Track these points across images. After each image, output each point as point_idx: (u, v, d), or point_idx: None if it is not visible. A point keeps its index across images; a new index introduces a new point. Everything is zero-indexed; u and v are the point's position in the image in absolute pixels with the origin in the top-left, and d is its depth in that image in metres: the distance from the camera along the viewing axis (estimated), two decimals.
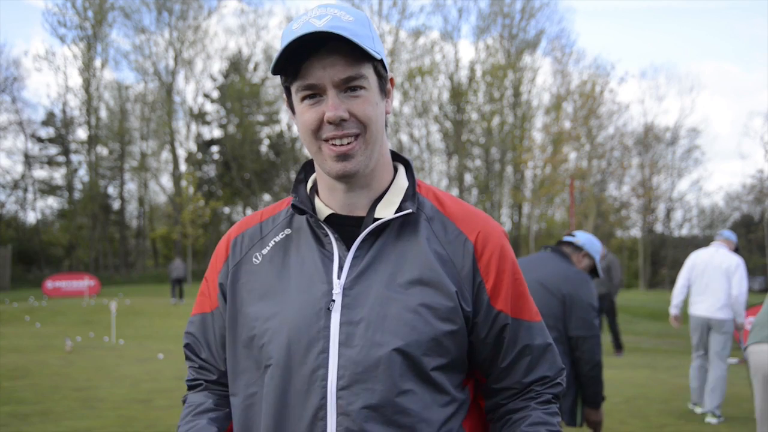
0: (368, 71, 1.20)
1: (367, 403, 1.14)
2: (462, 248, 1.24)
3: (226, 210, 44.55)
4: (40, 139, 39.73)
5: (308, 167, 1.38)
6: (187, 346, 1.37)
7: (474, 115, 40.76)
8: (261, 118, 43.71)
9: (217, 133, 43.75)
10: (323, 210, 1.29)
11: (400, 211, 1.24)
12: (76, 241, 39.73)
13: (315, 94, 1.20)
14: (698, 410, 6.45)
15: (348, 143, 1.19)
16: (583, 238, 3.62)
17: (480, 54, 39.89)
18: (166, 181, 42.56)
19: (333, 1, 1.23)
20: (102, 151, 40.53)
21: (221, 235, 47.66)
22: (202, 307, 1.36)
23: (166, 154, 41.55)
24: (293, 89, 1.22)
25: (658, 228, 44.21)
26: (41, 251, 38.65)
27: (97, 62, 38.72)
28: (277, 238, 1.31)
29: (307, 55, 1.18)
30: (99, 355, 10.68)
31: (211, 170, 44.43)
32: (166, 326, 16.35)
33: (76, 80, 47.98)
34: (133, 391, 7.40)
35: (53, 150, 40.23)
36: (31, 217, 41.13)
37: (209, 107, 43.54)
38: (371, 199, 1.27)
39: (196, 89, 41.60)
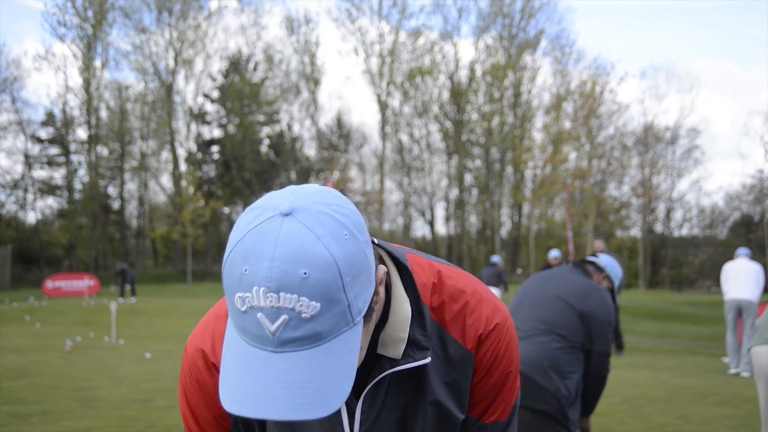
0: None
1: None
2: (465, 362, 1.13)
3: (226, 210, 44.59)
4: (39, 140, 39.73)
5: None
6: None
7: (474, 115, 40.78)
8: (261, 118, 43.73)
9: (217, 133, 43.79)
10: None
11: (411, 349, 1.06)
12: (76, 241, 39.74)
13: None
14: (732, 371, 9.17)
15: None
16: (605, 260, 3.72)
17: (480, 54, 39.93)
18: (166, 181, 42.61)
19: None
20: (102, 151, 40.56)
21: (221, 234, 47.76)
22: None
23: (166, 154, 41.60)
24: None
25: (658, 228, 44.23)
26: (41, 251, 38.65)
27: (97, 62, 38.78)
28: None
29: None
30: (99, 355, 10.67)
31: (211, 170, 44.45)
32: (166, 326, 16.36)
33: (76, 80, 48.01)
34: (133, 391, 7.40)
35: (53, 150, 40.24)
36: (31, 217, 41.18)
37: (209, 107, 43.58)
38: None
39: (196, 89, 41.65)
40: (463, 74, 40.33)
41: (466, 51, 73.30)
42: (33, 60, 51.17)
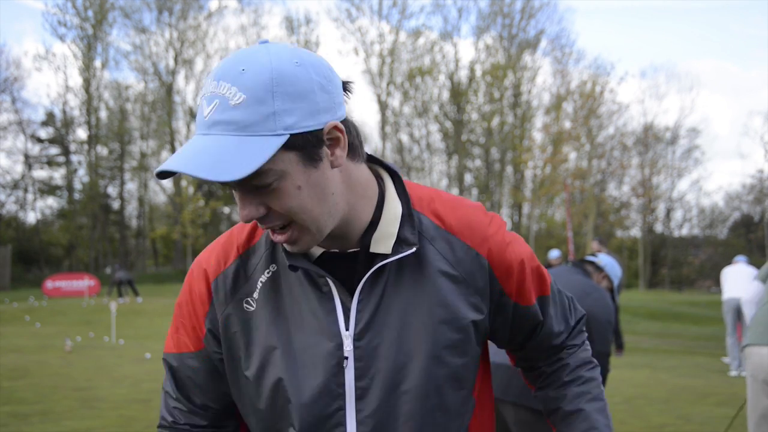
0: (273, 161, 0.98)
1: None
2: (476, 265, 1.16)
3: (226, 210, 44.59)
4: (39, 140, 39.73)
5: None
6: (177, 385, 1.22)
7: (474, 115, 40.76)
8: None
9: None
10: (314, 249, 1.16)
11: (400, 246, 1.12)
12: (76, 241, 39.74)
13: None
14: (733, 373, 9.16)
15: (281, 232, 1.06)
16: (605, 260, 3.72)
17: (480, 54, 39.91)
18: (166, 181, 42.46)
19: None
20: (102, 151, 40.55)
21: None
22: (180, 346, 1.22)
23: (166, 154, 41.55)
24: None
25: (658, 228, 44.25)
26: (41, 251, 38.65)
27: (97, 62, 38.76)
28: (263, 278, 1.16)
29: None
30: (99, 355, 10.68)
31: None
32: (166, 326, 16.35)
33: (76, 80, 47.98)
34: (133, 391, 7.40)
35: (53, 150, 40.24)
36: (31, 217, 41.17)
37: None
38: (360, 231, 1.13)
39: (196, 89, 41.62)
40: (463, 74, 40.33)
41: (466, 51, 73.23)
42: (33, 60, 51.16)
